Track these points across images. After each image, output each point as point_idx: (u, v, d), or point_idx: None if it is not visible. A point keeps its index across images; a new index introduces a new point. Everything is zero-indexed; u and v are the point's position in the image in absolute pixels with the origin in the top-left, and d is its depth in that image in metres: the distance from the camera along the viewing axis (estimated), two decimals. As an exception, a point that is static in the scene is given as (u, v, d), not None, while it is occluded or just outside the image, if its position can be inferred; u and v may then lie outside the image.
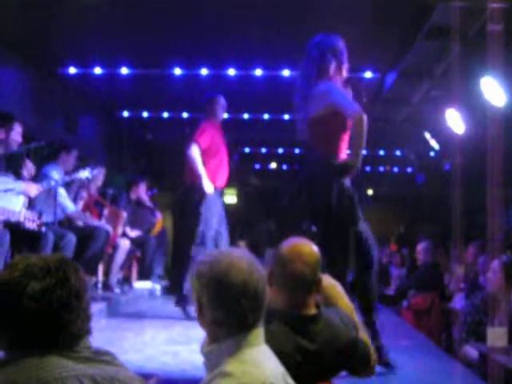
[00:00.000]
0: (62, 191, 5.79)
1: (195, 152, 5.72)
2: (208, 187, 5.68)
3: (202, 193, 5.68)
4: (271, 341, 1.85)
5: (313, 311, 2.28)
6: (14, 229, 4.47)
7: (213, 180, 5.79)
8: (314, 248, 2.35)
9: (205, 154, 5.78)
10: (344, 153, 3.99)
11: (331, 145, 3.96)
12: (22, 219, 4.43)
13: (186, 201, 5.98)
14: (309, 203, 3.96)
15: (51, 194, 5.51)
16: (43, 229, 4.71)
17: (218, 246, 5.73)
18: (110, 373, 1.61)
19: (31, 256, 1.64)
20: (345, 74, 4.05)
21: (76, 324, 1.59)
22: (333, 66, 3.97)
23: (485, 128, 5.87)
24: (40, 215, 4.54)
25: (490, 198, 5.11)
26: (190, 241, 5.75)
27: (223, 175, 5.99)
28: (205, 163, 5.75)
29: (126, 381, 1.62)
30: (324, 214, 3.87)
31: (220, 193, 6.01)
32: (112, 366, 1.64)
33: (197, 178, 5.69)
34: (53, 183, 5.38)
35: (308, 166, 4.13)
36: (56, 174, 5.75)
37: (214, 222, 5.82)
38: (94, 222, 6.37)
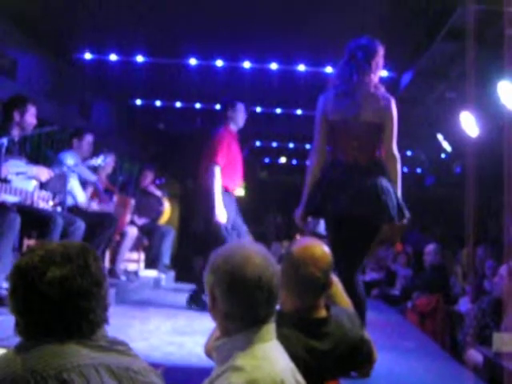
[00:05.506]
0: (74, 181, 5.79)
1: (217, 176, 5.59)
2: (221, 217, 5.57)
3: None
4: (284, 345, 1.83)
5: (323, 313, 2.26)
6: (25, 212, 4.48)
7: (227, 184, 5.72)
8: (326, 250, 2.29)
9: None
10: None
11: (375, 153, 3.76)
12: (35, 199, 4.45)
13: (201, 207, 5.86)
14: (363, 211, 3.62)
15: (62, 179, 5.51)
16: (58, 209, 4.72)
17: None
18: (125, 363, 1.62)
19: (51, 243, 1.64)
20: (377, 79, 3.82)
21: (95, 312, 1.60)
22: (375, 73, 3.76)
23: (499, 132, 5.83)
24: (54, 195, 4.56)
25: (507, 203, 5.07)
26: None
27: (238, 179, 5.93)
28: (221, 171, 5.64)
29: (140, 371, 1.63)
30: (381, 220, 3.70)
31: (233, 195, 5.93)
32: (127, 356, 1.65)
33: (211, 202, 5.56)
34: (65, 169, 5.39)
35: (355, 173, 3.66)
36: (70, 159, 5.74)
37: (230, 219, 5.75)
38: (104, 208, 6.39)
